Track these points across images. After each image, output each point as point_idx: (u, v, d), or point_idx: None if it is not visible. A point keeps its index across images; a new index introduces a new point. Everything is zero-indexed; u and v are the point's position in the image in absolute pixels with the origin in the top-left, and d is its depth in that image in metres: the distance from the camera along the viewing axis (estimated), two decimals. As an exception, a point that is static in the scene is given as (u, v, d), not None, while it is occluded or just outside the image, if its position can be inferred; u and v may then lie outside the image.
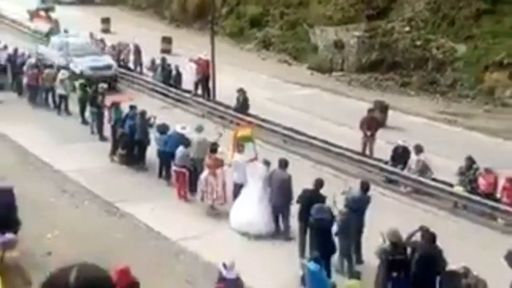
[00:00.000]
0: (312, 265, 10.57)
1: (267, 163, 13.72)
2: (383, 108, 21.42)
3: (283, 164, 13.45)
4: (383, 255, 10.75)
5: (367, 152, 17.82)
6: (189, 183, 15.13)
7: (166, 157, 16.01)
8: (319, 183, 12.69)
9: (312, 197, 12.38)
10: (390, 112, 21.33)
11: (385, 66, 26.38)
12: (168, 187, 15.66)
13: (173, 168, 15.48)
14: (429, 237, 10.82)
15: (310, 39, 29.41)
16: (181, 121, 17.44)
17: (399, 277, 10.54)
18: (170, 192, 15.31)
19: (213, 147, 14.72)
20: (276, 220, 13.45)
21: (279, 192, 13.18)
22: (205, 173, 14.50)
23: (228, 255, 12.42)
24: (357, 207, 11.90)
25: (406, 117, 21.86)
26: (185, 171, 15.13)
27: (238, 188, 14.22)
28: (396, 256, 10.58)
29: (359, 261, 12.27)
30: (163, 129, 16.22)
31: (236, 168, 14.36)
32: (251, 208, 13.39)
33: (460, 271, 10.13)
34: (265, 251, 12.90)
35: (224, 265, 10.11)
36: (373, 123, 18.29)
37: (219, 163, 14.52)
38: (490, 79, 23.32)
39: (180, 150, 15.32)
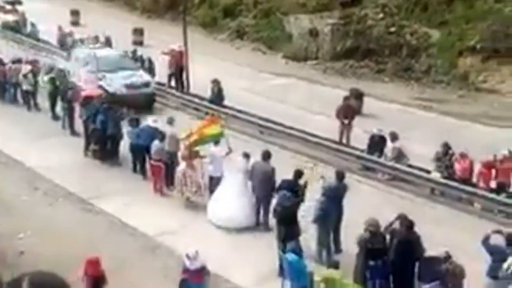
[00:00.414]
0: (290, 256, 10.47)
1: (246, 155, 13.55)
2: (358, 95, 21.37)
3: (266, 156, 13.31)
4: (362, 244, 10.71)
5: (344, 140, 17.74)
6: (165, 177, 14.91)
7: (139, 151, 15.80)
8: (298, 174, 12.61)
9: (292, 188, 12.28)
10: (366, 99, 21.29)
11: (360, 53, 26.32)
12: (143, 181, 15.45)
13: (149, 162, 15.26)
14: (407, 223, 10.80)
15: (284, 27, 29.22)
16: (156, 114, 17.20)
17: (377, 265, 10.50)
18: (145, 187, 15.10)
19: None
20: (257, 212, 13.32)
21: (262, 184, 13.07)
22: (182, 166, 14.29)
23: (206, 249, 12.36)
24: (334, 196, 11.82)
25: (381, 104, 21.84)
26: (161, 164, 14.91)
27: (214, 182, 14.04)
28: (374, 245, 10.54)
29: (338, 250, 12.23)
30: (134, 122, 15.98)
31: (212, 161, 14.17)
32: (231, 202, 13.23)
33: (441, 256, 10.12)
34: (244, 243, 12.77)
35: (188, 256, 10.03)
36: (349, 111, 18.23)
37: (195, 154, 14.30)
38: (464, 64, 23.39)
39: (155, 144, 15.11)
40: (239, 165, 13.44)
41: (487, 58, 22.63)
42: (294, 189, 12.20)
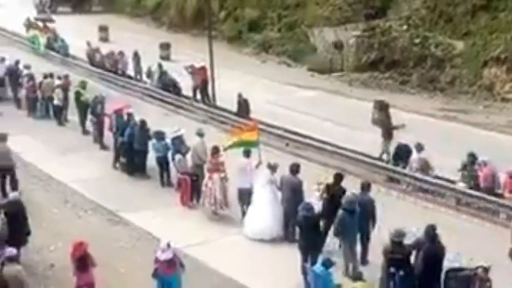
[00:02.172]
0: (319, 269, 10.57)
1: (271, 167, 13.69)
2: (383, 106, 21.41)
3: (294, 169, 13.40)
4: (384, 253, 10.80)
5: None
6: (191, 189, 15.16)
7: (166, 164, 16.07)
8: (339, 177, 12.93)
9: (335, 191, 12.59)
10: (391, 111, 21.29)
11: (385, 65, 26.42)
12: (171, 194, 15.69)
13: (177, 175, 15.55)
14: (432, 235, 10.81)
15: (309, 40, 29.45)
16: (182, 127, 17.43)
17: (399, 275, 10.54)
18: (173, 200, 15.33)
19: (214, 151, 14.70)
20: (286, 225, 13.43)
21: (290, 198, 13.14)
22: (206, 178, 14.54)
23: (233, 262, 12.57)
24: (352, 208, 11.83)
25: (406, 115, 21.80)
26: (187, 177, 15.16)
27: (243, 193, 14.19)
28: (395, 255, 10.60)
29: (364, 262, 12.28)
30: (160, 135, 16.27)
31: (240, 173, 14.33)
32: (263, 214, 13.37)
33: (476, 270, 10.12)
34: (270, 256, 12.86)
35: (159, 247, 10.70)
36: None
37: (218, 167, 14.49)
38: (489, 75, 23.31)
39: (177, 157, 15.39)
40: (266, 177, 13.59)
41: (512, 69, 22.56)
42: (340, 194, 12.39)
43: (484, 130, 20.38)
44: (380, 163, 16.88)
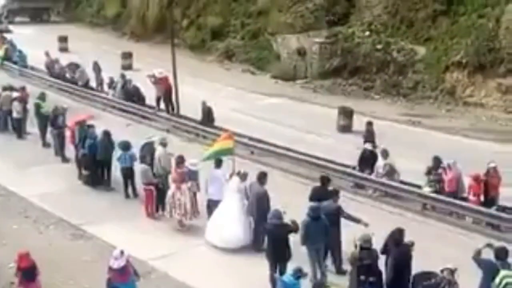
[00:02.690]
0: (288, 278, 10.42)
1: (241, 176, 13.54)
2: (347, 113, 21.53)
3: (261, 178, 13.26)
4: (352, 260, 10.72)
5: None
6: (156, 200, 14.90)
7: (130, 175, 15.83)
8: (325, 179, 13.09)
9: (321, 194, 12.61)
10: (355, 116, 21.44)
11: (348, 71, 26.58)
12: (135, 206, 15.39)
13: (142, 186, 15.29)
14: (398, 239, 10.80)
15: (273, 47, 29.49)
16: (145, 137, 17.16)
17: (369, 282, 10.48)
18: (137, 211, 15.04)
19: (179, 160, 14.50)
20: (254, 234, 13.25)
21: (256, 206, 13.02)
22: (172, 188, 14.30)
23: (200, 272, 12.36)
24: (316, 215, 11.72)
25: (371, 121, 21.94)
26: (152, 188, 14.90)
27: (213, 205, 14.00)
28: (364, 261, 10.53)
29: (339, 271, 12.13)
30: (125, 146, 15.98)
31: (212, 183, 14.13)
32: (229, 223, 13.20)
33: (442, 273, 10.12)
34: (237, 265, 12.69)
35: (112, 256, 10.50)
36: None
37: (184, 177, 14.31)
38: (450, 79, 23.64)
39: (141, 167, 15.13)
40: (235, 185, 13.45)
41: (473, 73, 22.90)
42: (326, 196, 12.38)
43: (448, 134, 20.62)
44: (346, 169, 16.85)
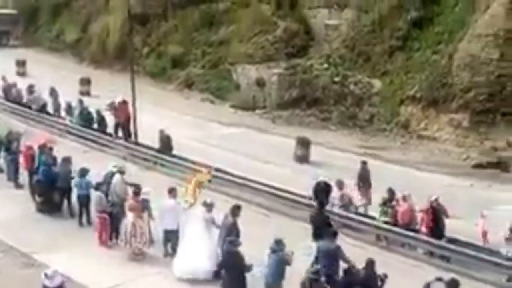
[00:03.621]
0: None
1: (207, 205, 13.47)
2: (305, 143, 21.80)
3: (234, 210, 13.19)
4: None
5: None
6: (110, 228, 14.74)
7: (86, 202, 15.66)
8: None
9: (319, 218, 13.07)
10: (313, 147, 21.72)
11: (306, 102, 27.00)
12: (89, 234, 15.17)
13: (96, 214, 15.12)
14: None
15: (232, 77, 29.75)
16: (103, 163, 17.01)
17: None
18: (90, 239, 14.82)
19: (136, 190, 14.46)
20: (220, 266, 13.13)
21: (224, 238, 12.87)
22: (130, 217, 14.19)
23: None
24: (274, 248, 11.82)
25: (327, 151, 22.31)
26: (105, 216, 14.75)
27: (169, 235, 13.97)
28: None
29: None
30: (83, 172, 15.83)
31: (167, 214, 14.03)
32: (196, 253, 13.05)
33: None
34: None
35: (46, 275, 10.04)
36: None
37: (141, 206, 14.23)
38: (405, 113, 24.22)
39: (96, 195, 15.00)
40: (200, 214, 13.37)
41: (427, 107, 23.53)
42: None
43: (401, 166, 21.04)
44: (302, 200, 16.99)
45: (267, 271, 11.61)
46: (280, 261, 11.47)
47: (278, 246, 11.61)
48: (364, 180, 17.18)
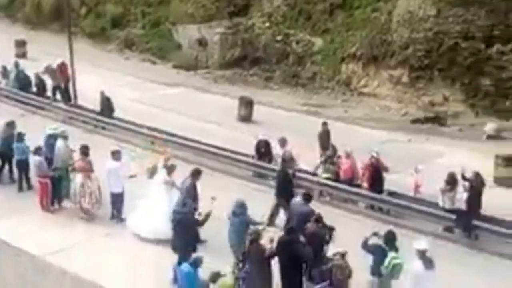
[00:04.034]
0: (187, 267, 10.50)
1: (168, 168, 13.40)
2: (248, 103, 21.84)
3: (194, 174, 13.14)
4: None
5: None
6: (51, 193, 14.51)
7: (25, 167, 15.33)
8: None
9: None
10: (255, 107, 21.79)
11: (249, 61, 26.94)
12: (30, 199, 14.90)
13: (37, 178, 14.85)
14: (287, 228, 11.11)
15: (174, 37, 29.30)
16: (41, 128, 16.63)
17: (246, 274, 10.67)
18: (32, 205, 14.57)
19: (85, 150, 14.35)
20: None
21: (182, 199, 12.77)
22: (79, 178, 14.06)
23: (99, 265, 12.20)
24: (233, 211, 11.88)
25: (270, 110, 22.42)
26: (47, 181, 14.49)
27: (114, 197, 13.95)
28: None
29: None
30: (20, 137, 15.44)
31: (112, 176, 13.95)
32: (153, 214, 13.05)
33: (333, 256, 10.52)
34: (143, 257, 12.54)
35: None
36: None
37: (91, 167, 14.19)
38: (346, 70, 24.48)
39: (35, 159, 14.69)
40: (161, 177, 13.31)
41: (367, 64, 23.84)
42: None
43: (343, 123, 21.37)
44: (246, 159, 17.10)
45: (231, 232, 11.67)
46: (243, 223, 11.53)
47: (240, 208, 11.70)
48: (323, 141, 17.11)
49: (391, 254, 10.34)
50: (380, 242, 10.61)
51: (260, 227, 11.25)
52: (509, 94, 21.36)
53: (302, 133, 19.16)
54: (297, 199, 12.65)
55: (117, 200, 13.99)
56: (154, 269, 11.95)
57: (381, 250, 10.47)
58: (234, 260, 11.40)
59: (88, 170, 14.11)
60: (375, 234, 10.81)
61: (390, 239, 10.54)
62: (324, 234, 11.27)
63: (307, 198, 12.47)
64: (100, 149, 14.89)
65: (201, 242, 12.28)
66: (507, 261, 12.84)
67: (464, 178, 13.82)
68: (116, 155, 14.10)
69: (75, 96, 21.89)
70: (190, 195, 12.82)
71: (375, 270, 10.52)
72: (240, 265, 10.81)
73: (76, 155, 14.65)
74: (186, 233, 11.68)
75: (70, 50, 21.83)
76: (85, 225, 13.94)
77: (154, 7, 31.15)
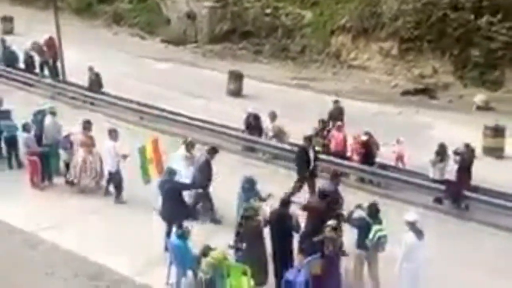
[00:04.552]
0: (176, 240, 10.55)
1: (187, 144, 13.36)
2: (237, 77, 21.74)
3: (210, 151, 13.13)
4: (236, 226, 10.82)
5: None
6: (41, 169, 14.45)
7: (13, 144, 15.27)
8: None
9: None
10: (245, 81, 21.70)
11: (238, 35, 26.73)
12: (19, 176, 14.83)
13: (26, 156, 14.78)
14: (281, 201, 10.99)
15: (162, 11, 29.00)
16: (31, 106, 16.48)
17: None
18: (22, 182, 14.50)
19: (87, 125, 14.36)
20: None
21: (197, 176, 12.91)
22: (81, 152, 14.06)
23: (90, 240, 12.22)
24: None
25: (260, 85, 22.35)
26: (36, 158, 14.42)
27: (109, 175, 13.96)
28: (242, 229, 10.66)
29: None
30: (5, 114, 15.32)
31: (106, 155, 13.94)
32: None
33: (330, 227, 10.50)
34: (136, 230, 12.55)
35: None
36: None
37: (92, 141, 14.25)
38: (336, 43, 24.36)
39: (23, 136, 14.60)
40: (181, 153, 13.30)
41: (357, 37, 23.73)
42: None
43: (334, 96, 21.27)
44: (235, 133, 17.07)
45: (239, 206, 11.64)
46: (252, 198, 11.52)
47: (250, 184, 11.75)
48: (334, 119, 16.44)
49: (376, 227, 10.32)
50: (364, 215, 10.60)
51: (256, 204, 11.23)
52: (498, 64, 21.36)
53: (292, 106, 19.20)
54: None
55: (112, 178, 13.94)
56: (147, 241, 11.97)
57: (365, 223, 10.45)
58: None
59: (90, 145, 14.15)
60: (358, 206, 10.80)
61: (374, 212, 10.52)
62: (324, 208, 11.09)
63: (333, 176, 12.22)
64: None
65: (192, 213, 12.32)
66: (496, 230, 12.98)
67: (456, 153, 13.85)
68: (112, 133, 13.94)
69: (63, 72, 21.68)
70: (204, 172, 12.79)
71: (361, 244, 10.51)
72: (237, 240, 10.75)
73: (74, 130, 14.55)
74: (174, 203, 11.73)
75: (56, 25, 21.56)
76: (76, 201, 13.92)
77: (142, -19, 30.74)
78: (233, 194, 12.16)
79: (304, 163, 14.00)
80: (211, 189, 12.99)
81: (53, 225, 12.82)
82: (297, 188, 13.65)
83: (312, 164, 13.99)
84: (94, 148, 14.22)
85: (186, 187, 12.42)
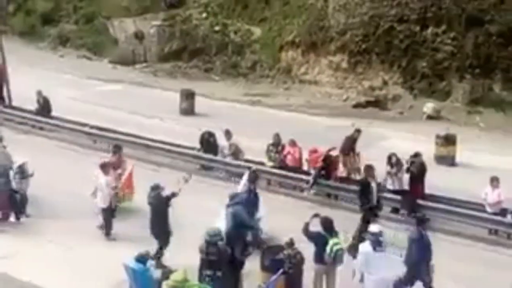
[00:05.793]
0: (136, 265, 10.27)
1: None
2: (189, 95, 21.62)
3: (252, 178, 13.05)
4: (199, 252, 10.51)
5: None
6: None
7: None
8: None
9: None
10: (197, 99, 21.59)
11: (188, 53, 26.69)
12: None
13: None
14: None
15: (109, 32, 28.70)
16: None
17: (216, 277, 10.17)
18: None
19: (116, 150, 14.56)
20: None
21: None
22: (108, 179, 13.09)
23: (45, 270, 11.80)
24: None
25: (213, 102, 22.29)
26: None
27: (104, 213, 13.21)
28: (209, 256, 10.20)
29: None
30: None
31: (100, 191, 13.19)
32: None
33: (283, 245, 10.44)
34: (95, 257, 12.22)
35: None
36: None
37: (124, 163, 14.26)
38: (286, 58, 24.56)
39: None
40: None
41: (306, 51, 23.98)
42: None
43: (286, 111, 21.45)
44: (191, 152, 16.91)
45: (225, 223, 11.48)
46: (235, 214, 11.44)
47: (232, 200, 11.69)
48: (344, 145, 15.65)
49: (332, 241, 10.28)
50: (320, 229, 10.53)
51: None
52: (445, 74, 21.91)
53: (245, 123, 19.16)
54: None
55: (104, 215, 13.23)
56: (105, 270, 11.64)
57: (322, 238, 10.37)
58: None
59: (118, 167, 13.98)
60: (315, 215, 10.67)
61: (328, 226, 10.45)
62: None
63: (420, 221, 11.03)
64: (41, 150, 14.35)
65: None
66: (450, 237, 13.18)
67: (408, 162, 14.02)
68: (105, 168, 13.21)
69: (9, 97, 21.10)
70: (251, 203, 12.19)
71: (318, 258, 10.42)
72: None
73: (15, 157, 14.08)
74: (158, 219, 11.60)
75: (0, 49, 21.03)
76: (26, 232, 13.40)
77: (86, 1, 30.51)
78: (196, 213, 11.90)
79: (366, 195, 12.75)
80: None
81: (5, 255, 12.34)
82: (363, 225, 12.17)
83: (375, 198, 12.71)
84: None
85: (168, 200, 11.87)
